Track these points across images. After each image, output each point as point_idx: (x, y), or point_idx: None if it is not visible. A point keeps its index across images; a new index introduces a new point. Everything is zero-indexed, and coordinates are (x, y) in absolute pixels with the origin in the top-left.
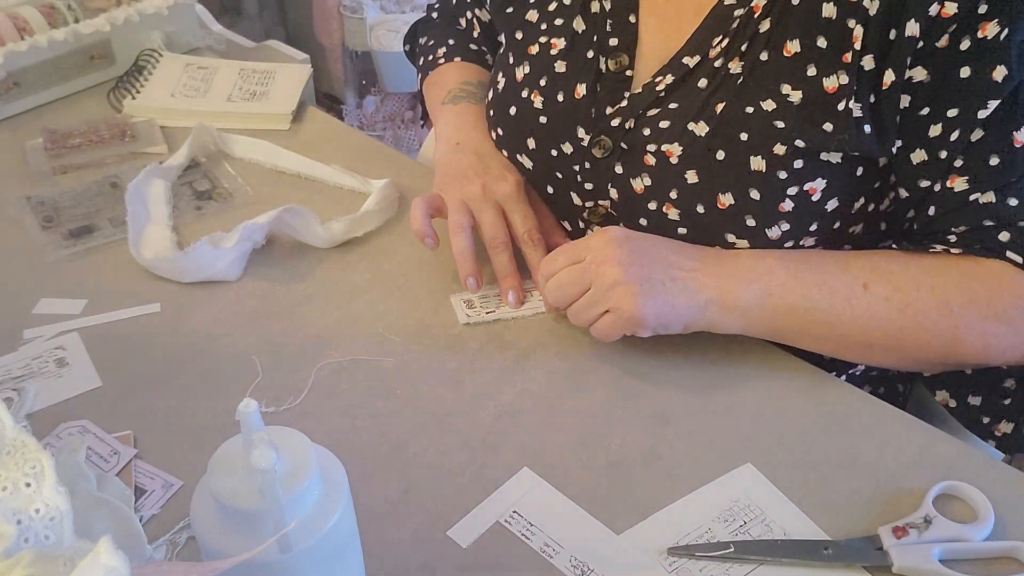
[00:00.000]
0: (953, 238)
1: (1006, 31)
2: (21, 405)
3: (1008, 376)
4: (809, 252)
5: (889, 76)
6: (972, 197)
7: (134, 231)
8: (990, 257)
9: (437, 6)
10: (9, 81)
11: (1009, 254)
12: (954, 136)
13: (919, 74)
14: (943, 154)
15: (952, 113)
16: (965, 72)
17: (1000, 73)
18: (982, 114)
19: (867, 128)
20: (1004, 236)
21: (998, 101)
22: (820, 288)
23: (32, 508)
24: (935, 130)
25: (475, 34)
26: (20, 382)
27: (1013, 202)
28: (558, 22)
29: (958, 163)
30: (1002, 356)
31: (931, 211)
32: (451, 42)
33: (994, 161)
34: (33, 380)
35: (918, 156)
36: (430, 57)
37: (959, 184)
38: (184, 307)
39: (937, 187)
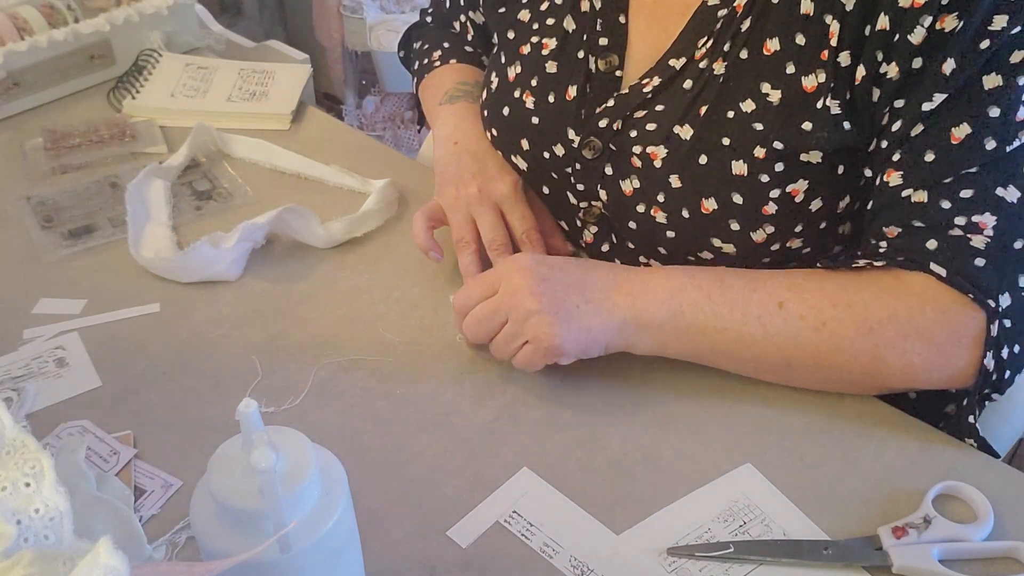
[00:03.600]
0: (883, 245)
1: (960, 24)
2: (21, 405)
3: (951, 401)
4: (724, 270)
5: (861, 71)
6: (905, 193)
7: (134, 231)
8: (913, 270)
9: (431, 11)
10: (9, 81)
11: (933, 266)
12: (896, 127)
13: (892, 71)
14: (884, 144)
15: (899, 103)
16: (918, 63)
17: (949, 66)
18: (926, 107)
19: (846, 125)
20: (932, 244)
21: (944, 96)
22: (732, 307)
23: (32, 508)
24: (885, 119)
25: (469, 37)
26: (20, 382)
27: (946, 204)
28: (550, 22)
29: (895, 156)
30: (928, 377)
31: (870, 204)
32: (446, 45)
33: (929, 157)
34: (33, 380)
35: (872, 146)
36: (425, 61)
37: (894, 178)
38: (184, 307)
39: (877, 180)
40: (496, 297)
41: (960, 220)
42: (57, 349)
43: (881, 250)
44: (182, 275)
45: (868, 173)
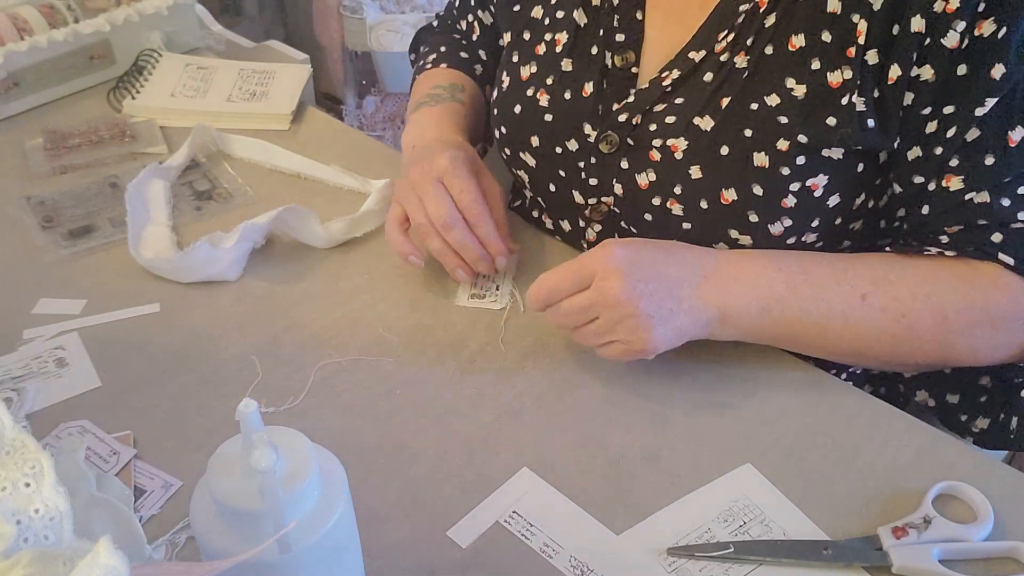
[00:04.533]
0: (946, 239)
1: (1004, 29)
2: (21, 405)
3: (984, 374)
4: (809, 261)
5: (895, 71)
6: (967, 196)
7: (134, 231)
8: (983, 259)
9: (441, 14)
10: (9, 81)
11: (1001, 256)
12: (950, 133)
13: (926, 73)
14: (938, 151)
15: (948, 110)
16: (962, 70)
17: (999, 71)
18: (979, 112)
19: (870, 122)
20: (997, 237)
21: (996, 99)
22: (817, 302)
23: (31, 508)
24: (931, 126)
25: (474, 37)
26: (20, 382)
27: (1006, 202)
28: (559, 15)
29: (954, 162)
30: (989, 357)
31: (925, 210)
32: (442, 49)
33: (989, 160)
34: (33, 380)
35: (913, 153)
36: (420, 63)
37: (955, 183)
38: (184, 307)
39: (932, 185)
40: (590, 295)
41: (1022, 215)
42: (57, 349)
43: (944, 241)
44: (182, 275)
45: (919, 180)
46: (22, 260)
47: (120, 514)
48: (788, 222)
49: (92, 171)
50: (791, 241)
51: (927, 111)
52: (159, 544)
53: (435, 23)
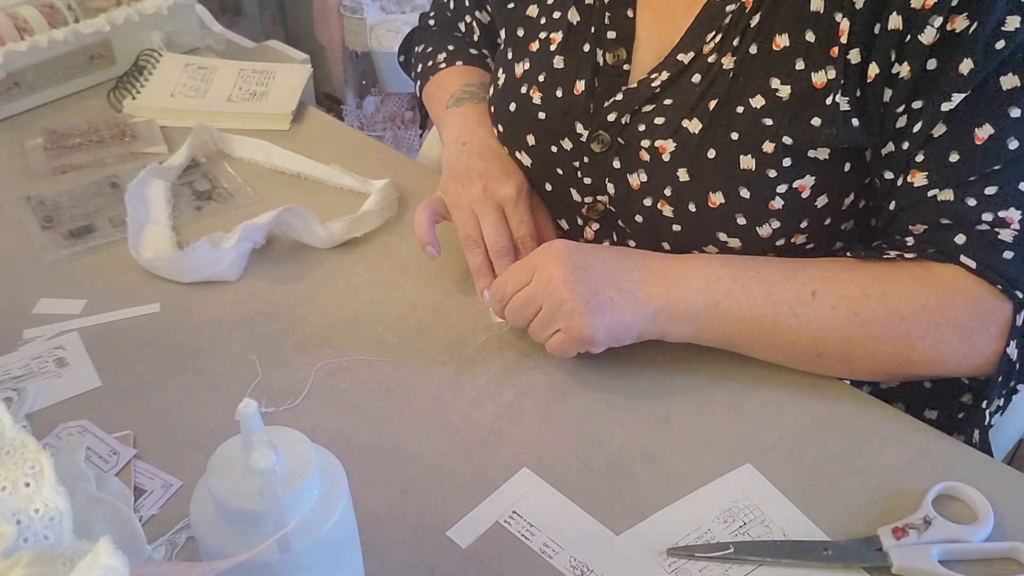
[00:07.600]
0: (911, 240)
1: (975, 25)
2: (21, 405)
3: (967, 391)
4: (759, 259)
5: (873, 69)
6: (931, 193)
7: (134, 231)
8: (943, 262)
9: (433, 15)
10: (9, 81)
11: (963, 258)
12: (916, 128)
13: (904, 70)
14: (905, 145)
15: (917, 105)
16: (932, 64)
17: (966, 67)
18: (945, 107)
19: (855, 122)
20: (960, 239)
21: (963, 95)
22: (767, 297)
23: (31, 508)
24: (901, 121)
25: (475, 37)
26: (20, 382)
27: (972, 202)
28: (556, 15)
29: (919, 157)
30: (956, 365)
31: (891, 205)
32: (451, 48)
33: (954, 158)
34: (33, 380)
35: (887, 148)
36: (429, 63)
37: (919, 179)
38: (184, 307)
39: (899, 181)
40: (531, 285)
41: (987, 216)
42: (57, 349)
43: (909, 243)
44: (182, 275)
45: (889, 175)
46: (22, 260)
47: (120, 514)
48: (776, 224)
49: (92, 171)
50: (780, 243)
51: (901, 108)
52: (159, 544)
53: (431, 22)
